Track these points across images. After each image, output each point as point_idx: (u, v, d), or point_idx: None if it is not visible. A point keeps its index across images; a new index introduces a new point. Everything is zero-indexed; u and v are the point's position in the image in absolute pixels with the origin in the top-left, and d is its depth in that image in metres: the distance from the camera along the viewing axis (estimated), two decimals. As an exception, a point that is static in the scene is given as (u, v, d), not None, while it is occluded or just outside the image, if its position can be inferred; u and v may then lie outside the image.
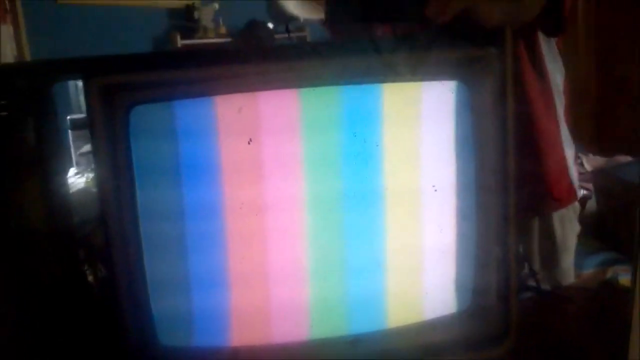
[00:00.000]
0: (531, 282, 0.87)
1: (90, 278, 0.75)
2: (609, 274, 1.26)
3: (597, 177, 1.89)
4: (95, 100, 0.62)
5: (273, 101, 0.64)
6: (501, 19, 0.75)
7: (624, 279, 1.25)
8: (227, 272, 0.67)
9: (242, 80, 0.63)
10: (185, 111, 0.64)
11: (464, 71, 0.65)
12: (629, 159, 2.11)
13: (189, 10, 2.96)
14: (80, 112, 1.95)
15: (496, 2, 0.77)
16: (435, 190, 0.67)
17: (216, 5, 3.84)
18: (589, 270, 1.41)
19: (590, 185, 1.91)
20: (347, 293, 0.68)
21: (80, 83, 0.63)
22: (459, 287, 0.69)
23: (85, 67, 0.62)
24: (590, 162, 2.34)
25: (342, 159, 0.65)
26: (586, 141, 2.73)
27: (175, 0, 3.02)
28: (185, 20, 2.83)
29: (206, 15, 3.76)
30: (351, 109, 0.64)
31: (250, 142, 0.63)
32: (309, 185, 0.65)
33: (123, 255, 0.64)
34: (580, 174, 2.19)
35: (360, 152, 0.65)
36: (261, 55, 0.63)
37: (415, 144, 0.66)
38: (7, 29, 2.35)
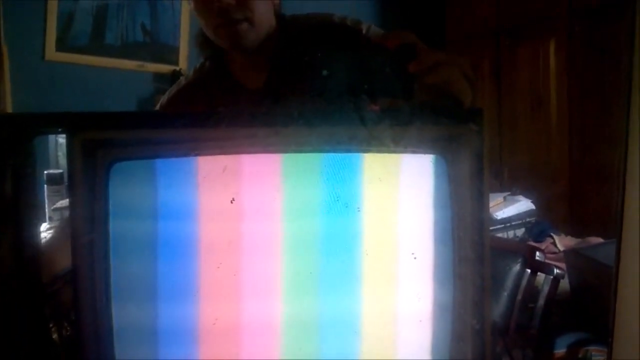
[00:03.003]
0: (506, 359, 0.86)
1: (55, 336, 0.72)
2: (582, 354, 1.25)
3: (570, 256, 1.90)
4: (78, 154, 0.62)
5: (257, 163, 0.64)
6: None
7: (597, 359, 1.24)
8: (198, 331, 0.65)
9: (227, 142, 0.64)
10: (167, 170, 0.64)
11: (443, 146, 0.66)
12: (600, 240, 2.13)
13: (174, 74, 3.02)
14: (58, 168, 1.93)
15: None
16: (415, 258, 0.67)
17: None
18: (561, 350, 1.40)
19: (563, 265, 1.92)
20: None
21: (60, 139, 0.63)
22: (435, 358, 0.68)
23: (69, 122, 0.62)
24: (563, 242, 2.37)
25: (321, 223, 0.66)
26: (559, 222, 2.78)
27: (162, 65, 3.08)
28: (170, 84, 2.88)
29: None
30: (332, 175, 0.65)
31: (233, 202, 0.64)
32: (286, 246, 0.66)
33: (91, 313, 0.62)
34: (553, 253, 2.21)
35: (340, 216, 0.66)
36: (248, 119, 0.64)
37: (395, 212, 0.67)
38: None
